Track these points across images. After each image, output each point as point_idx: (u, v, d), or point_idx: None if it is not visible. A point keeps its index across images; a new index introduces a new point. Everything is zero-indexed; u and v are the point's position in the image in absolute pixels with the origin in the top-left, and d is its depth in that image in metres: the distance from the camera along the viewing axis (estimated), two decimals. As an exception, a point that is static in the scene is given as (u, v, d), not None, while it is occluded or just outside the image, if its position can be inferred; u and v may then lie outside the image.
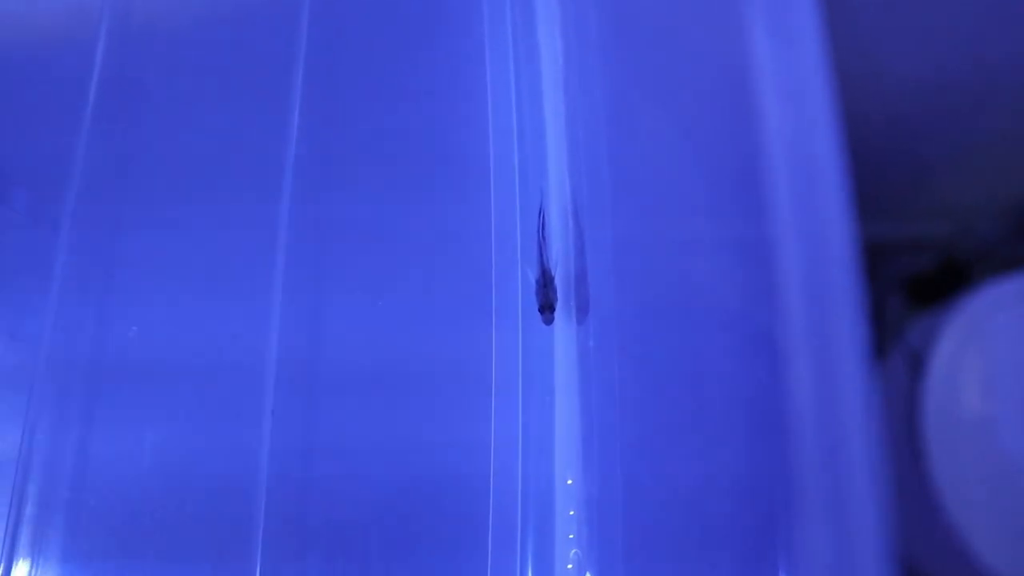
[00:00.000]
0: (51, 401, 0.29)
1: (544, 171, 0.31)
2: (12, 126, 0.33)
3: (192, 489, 0.28)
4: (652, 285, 0.30)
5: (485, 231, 0.30)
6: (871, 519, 0.28)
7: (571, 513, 0.27)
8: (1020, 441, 0.54)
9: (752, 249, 0.31)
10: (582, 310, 0.29)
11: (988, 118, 0.64)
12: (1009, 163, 0.67)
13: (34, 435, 0.28)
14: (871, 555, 0.27)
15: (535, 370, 0.28)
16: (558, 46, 0.32)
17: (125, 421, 0.29)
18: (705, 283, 0.31)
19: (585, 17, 0.33)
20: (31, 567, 0.27)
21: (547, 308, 0.29)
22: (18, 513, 0.27)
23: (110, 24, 0.34)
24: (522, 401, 0.28)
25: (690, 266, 0.31)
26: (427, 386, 0.29)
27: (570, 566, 0.26)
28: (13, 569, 0.27)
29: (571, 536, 0.27)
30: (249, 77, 0.33)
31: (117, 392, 0.29)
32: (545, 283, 0.29)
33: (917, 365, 0.56)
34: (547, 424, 0.28)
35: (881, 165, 0.61)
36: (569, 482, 0.27)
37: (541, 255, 0.30)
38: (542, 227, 0.30)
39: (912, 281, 0.75)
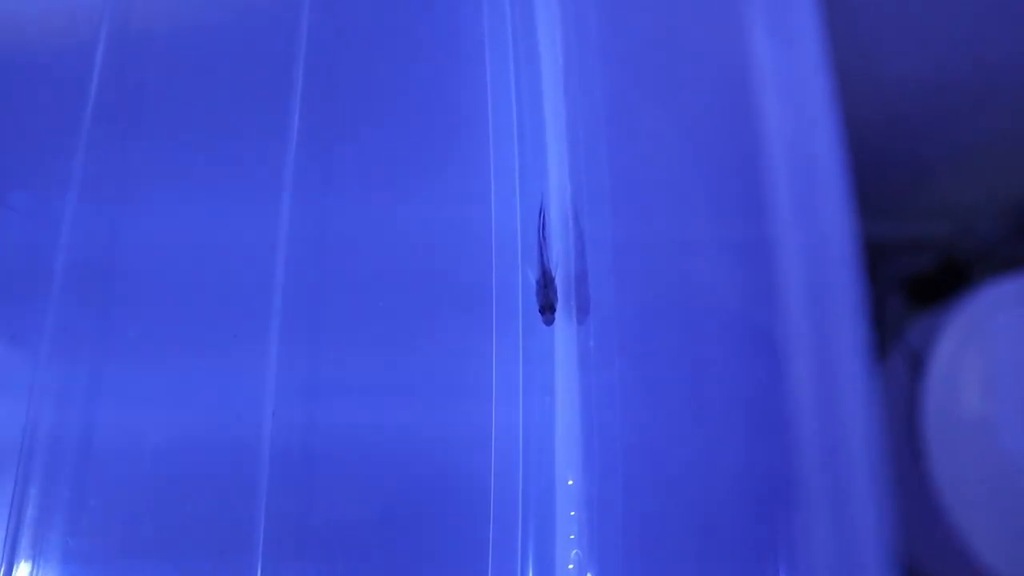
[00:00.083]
0: (51, 401, 0.29)
1: (544, 171, 0.31)
2: (12, 126, 0.33)
3: (193, 490, 0.28)
4: (652, 285, 0.30)
5: (485, 231, 0.30)
6: (871, 519, 0.28)
7: (572, 514, 0.27)
8: (1020, 441, 0.54)
9: (752, 249, 0.31)
10: (582, 310, 0.29)
11: (988, 118, 0.64)
12: (1009, 163, 0.67)
13: (35, 435, 0.28)
14: (872, 555, 0.27)
15: (535, 370, 0.28)
16: (558, 46, 0.32)
17: (126, 421, 0.29)
18: (705, 283, 0.31)
19: (585, 17, 0.33)
20: (32, 567, 0.27)
21: (547, 308, 0.29)
22: (19, 514, 0.27)
23: (110, 25, 0.34)
24: (522, 401, 0.28)
25: (690, 266, 0.31)
26: (427, 386, 0.29)
27: (571, 566, 0.26)
28: (14, 570, 0.27)
29: (572, 536, 0.27)
30: (249, 78, 0.33)
31: (118, 392, 0.29)
32: (545, 283, 0.29)
33: (917, 365, 0.56)
34: (547, 424, 0.28)
35: (881, 165, 0.61)
36: (570, 482, 0.27)
37: (541, 255, 0.30)
38: (542, 227, 0.30)
39: (912, 281, 0.75)
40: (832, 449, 0.28)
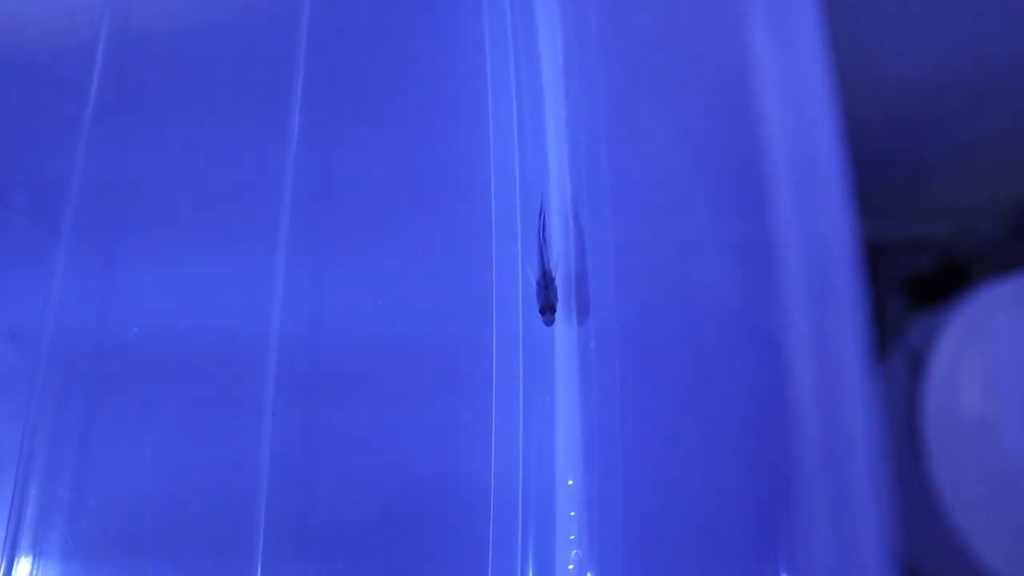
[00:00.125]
0: (52, 401, 0.29)
1: (544, 172, 0.31)
2: (12, 127, 0.33)
3: (193, 489, 0.28)
4: (652, 286, 0.30)
5: (485, 232, 0.30)
6: (872, 519, 0.28)
7: (572, 514, 0.27)
8: (1020, 441, 0.54)
9: (753, 249, 0.31)
10: (582, 311, 0.29)
11: (988, 118, 0.64)
12: (1009, 163, 0.67)
13: (35, 435, 0.28)
14: (872, 555, 0.27)
15: (536, 371, 0.28)
16: (558, 46, 0.32)
17: (126, 421, 0.29)
18: (705, 283, 0.31)
19: (585, 17, 0.33)
20: (32, 567, 0.27)
21: (548, 309, 0.29)
22: (19, 513, 0.27)
23: (110, 25, 0.34)
24: (523, 402, 0.28)
25: (690, 266, 0.31)
26: (428, 387, 0.29)
27: (571, 567, 0.26)
28: (14, 569, 0.27)
29: (572, 537, 0.27)
30: (249, 78, 0.33)
31: (117, 392, 0.29)
32: (546, 284, 0.29)
33: (917, 365, 0.56)
34: (547, 425, 0.28)
35: (881, 165, 0.61)
36: (570, 483, 0.27)
37: (542, 256, 0.30)
38: (542, 228, 0.30)
39: (912, 281, 0.75)
40: (832, 449, 0.28)
